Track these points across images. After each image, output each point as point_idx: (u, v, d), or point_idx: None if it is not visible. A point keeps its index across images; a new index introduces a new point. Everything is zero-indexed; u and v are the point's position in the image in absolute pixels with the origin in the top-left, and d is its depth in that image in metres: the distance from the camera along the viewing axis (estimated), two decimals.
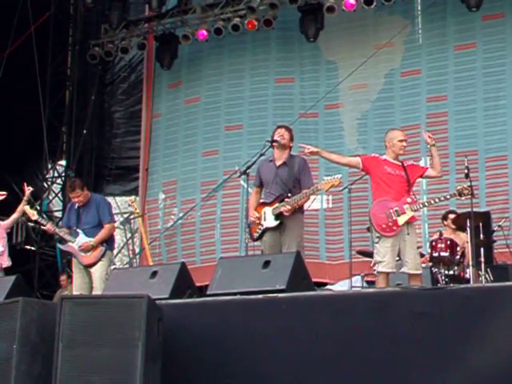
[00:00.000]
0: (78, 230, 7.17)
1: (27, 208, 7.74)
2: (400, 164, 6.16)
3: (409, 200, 6.03)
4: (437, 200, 6.48)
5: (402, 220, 5.97)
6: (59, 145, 11.73)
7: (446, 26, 9.85)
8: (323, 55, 10.46)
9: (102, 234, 7.12)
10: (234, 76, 10.84)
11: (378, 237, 5.99)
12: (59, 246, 7.71)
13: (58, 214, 11.53)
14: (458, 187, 6.39)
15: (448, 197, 6.62)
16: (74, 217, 7.25)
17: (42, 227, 7.64)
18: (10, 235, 9.11)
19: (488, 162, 9.28)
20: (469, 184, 6.40)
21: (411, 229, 6.05)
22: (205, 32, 10.54)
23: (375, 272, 7.39)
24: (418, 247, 6.43)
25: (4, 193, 7.99)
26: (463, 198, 6.46)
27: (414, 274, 5.93)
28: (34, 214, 7.64)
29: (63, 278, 10.23)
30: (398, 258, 6.10)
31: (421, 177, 6.32)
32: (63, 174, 11.63)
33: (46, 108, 11.24)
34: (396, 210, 5.98)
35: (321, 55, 10.47)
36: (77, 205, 7.25)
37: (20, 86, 10.74)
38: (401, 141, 6.22)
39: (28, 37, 10.86)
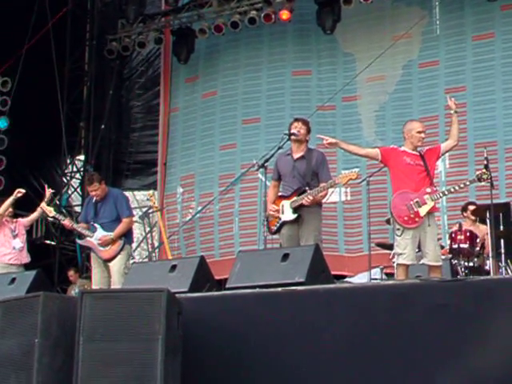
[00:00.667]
0: (96, 225, 7.20)
1: (44, 205, 7.79)
2: (418, 154, 6.13)
3: (428, 190, 6.00)
4: (456, 188, 6.38)
5: (423, 211, 5.94)
6: (77, 140, 11.79)
7: (463, 17, 9.77)
8: (340, 47, 10.42)
9: (120, 228, 7.15)
10: (251, 69, 10.83)
11: (398, 229, 5.97)
12: (78, 241, 7.75)
13: (78, 209, 11.58)
14: (477, 172, 6.37)
15: (467, 183, 6.53)
16: (92, 211, 7.28)
17: (61, 222, 7.68)
18: (29, 230, 9.18)
19: (508, 153, 9.20)
20: (485, 170, 6.36)
21: (432, 220, 6.02)
22: (221, 26, 10.54)
23: (394, 264, 7.38)
24: (438, 239, 6.39)
25: (23, 190, 8.04)
26: (483, 183, 6.41)
27: (434, 265, 5.90)
28: (51, 211, 7.67)
29: (71, 273, 10.29)
30: (417, 250, 6.07)
31: (439, 157, 6.26)
32: (82, 169, 11.69)
33: (64, 103, 11.29)
34: (417, 202, 5.95)
35: (338, 47, 10.43)
36: (94, 199, 7.28)
37: (38, 82, 10.79)
38: (419, 132, 6.18)
39: (46, 33, 10.90)
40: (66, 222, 7.48)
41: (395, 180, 6.13)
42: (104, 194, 7.25)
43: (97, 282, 7.17)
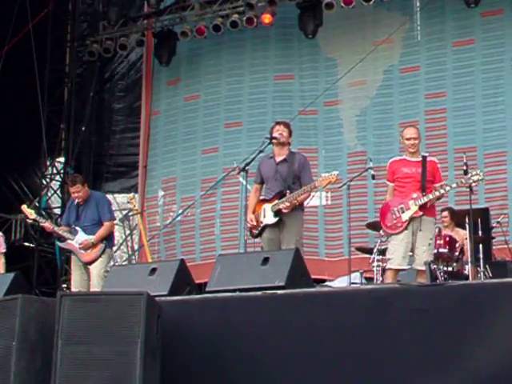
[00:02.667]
0: (78, 228, 7.17)
1: (24, 207, 7.73)
2: (420, 160, 6.19)
3: (414, 195, 6.07)
4: (442, 191, 6.30)
5: (405, 216, 6.01)
6: (58, 142, 11.72)
7: (444, 23, 9.84)
8: (322, 52, 10.45)
9: (101, 231, 7.12)
10: (233, 73, 10.83)
11: (387, 236, 6.11)
12: (58, 243, 7.70)
13: (57, 211, 11.53)
14: (469, 173, 6.38)
15: (454, 185, 6.47)
16: (74, 214, 7.25)
17: (41, 225, 7.62)
18: (8, 233, 9.11)
19: (487, 159, 9.28)
20: (478, 171, 6.38)
21: (425, 225, 6.09)
22: (203, 29, 10.53)
23: (373, 268, 7.41)
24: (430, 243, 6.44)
25: None
26: (474, 184, 6.44)
27: (421, 270, 5.98)
28: (31, 213, 7.62)
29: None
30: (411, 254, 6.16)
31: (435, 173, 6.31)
32: (62, 171, 11.62)
33: (45, 105, 11.22)
34: (401, 207, 6.04)
35: (320, 52, 10.46)
36: (76, 202, 7.24)
37: (18, 83, 10.72)
38: (408, 139, 6.27)
39: (26, 34, 10.84)
40: (47, 224, 7.43)
41: (396, 189, 6.30)
42: (86, 197, 7.22)
43: (77, 284, 7.14)
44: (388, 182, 6.45)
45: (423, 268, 6.00)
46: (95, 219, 7.18)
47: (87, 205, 7.22)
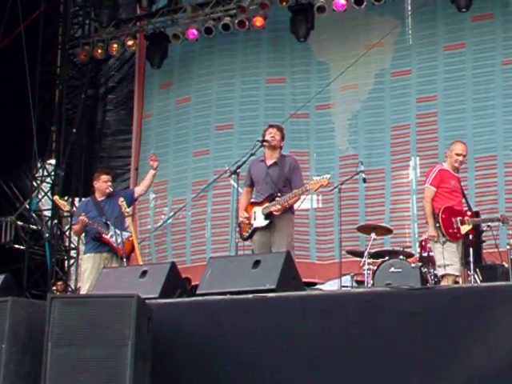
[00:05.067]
0: (108, 222, 7.04)
1: (57, 198, 7.59)
2: (459, 176, 6.55)
3: (469, 213, 6.44)
4: (491, 224, 6.90)
5: (464, 229, 6.37)
6: (49, 144, 11.70)
7: (435, 27, 9.88)
8: (314, 56, 10.47)
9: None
10: (225, 76, 10.84)
11: (444, 241, 6.29)
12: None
13: (48, 214, 11.50)
14: (501, 216, 6.78)
15: (491, 224, 6.96)
16: (94, 210, 7.11)
17: (79, 218, 7.16)
18: None
19: (477, 162, 9.32)
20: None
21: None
22: (195, 31, 10.53)
23: (364, 271, 7.43)
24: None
25: None
26: (505, 226, 6.80)
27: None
28: (65, 206, 7.49)
29: (60, 283, 10.17)
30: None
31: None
32: (52, 173, 11.59)
33: (36, 107, 11.20)
34: (460, 220, 6.36)
35: (312, 56, 10.48)
36: (90, 199, 7.17)
37: (9, 85, 10.70)
38: (457, 154, 6.52)
39: (18, 35, 10.81)
40: (82, 217, 7.07)
41: (441, 197, 6.43)
42: (111, 192, 7.22)
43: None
44: (431, 187, 6.51)
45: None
46: (120, 214, 7.07)
47: (111, 199, 7.15)
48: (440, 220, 6.32)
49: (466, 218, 6.41)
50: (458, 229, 6.33)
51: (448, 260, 6.21)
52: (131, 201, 7.35)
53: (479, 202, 9.08)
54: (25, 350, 4.66)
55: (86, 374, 4.52)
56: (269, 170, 6.47)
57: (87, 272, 7.06)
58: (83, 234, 7.32)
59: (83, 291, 6.98)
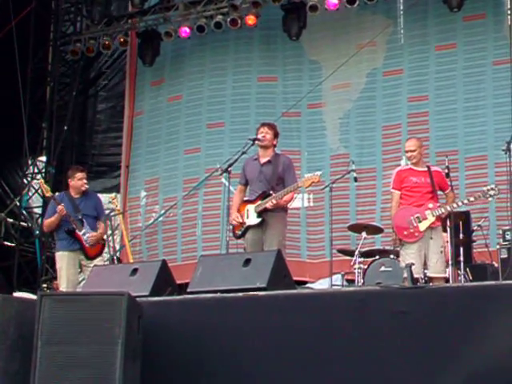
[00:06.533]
0: (84, 220, 7.03)
1: (42, 182, 7.59)
2: (426, 170, 6.32)
3: (430, 206, 6.23)
4: (460, 204, 6.55)
5: (423, 226, 6.14)
6: (39, 141, 11.65)
7: (427, 27, 9.89)
8: (306, 55, 10.47)
9: (102, 229, 7.18)
10: (217, 74, 10.82)
11: (401, 244, 6.19)
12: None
13: (38, 211, 11.46)
14: (484, 188, 6.52)
15: (472, 199, 6.65)
16: (70, 206, 7.10)
17: (58, 206, 7.11)
18: None
19: (468, 162, 9.34)
20: (493, 186, 6.51)
21: (435, 233, 6.25)
22: (187, 29, 10.51)
23: (355, 270, 7.44)
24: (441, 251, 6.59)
25: None
26: (489, 199, 6.58)
27: (437, 277, 6.12)
28: (48, 191, 7.47)
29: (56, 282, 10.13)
30: None
31: (440, 189, 6.52)
32: (43, 170, 11.55)
33: (27, 103, 11.14)
34: (417, 217, 6.19)
35: (304, 54, 10.48)
36: (65, 195, 7.15)
37: (0, 82, 10.65)
38: (406, 151, 6.51)
39: (9, 32, 10.76)
40: (61, 206, 7.07)
41: (402, 197, 6.38)
42: (86, 190, 7.24)
43: (70, 284, 6.91)
44: (394, 190, 6.51)
45: (440, 275, 6.25)
46: (94, 214, 7.13)
47: (86, 198, 7.17)
48: (392, 226, 6.37)
49: (426, 212, 6.24)
50: (416, 227, 6.22)
51: (407, 262, 6.13)
52: (98, 213, 7.29)
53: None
54: (14, 348, 4.65)
55: (76, 372, 4.51)
56: (262, 168, 6.48)
57: (63, 271, 7.03)
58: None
59: (62, 289, 6.97)
